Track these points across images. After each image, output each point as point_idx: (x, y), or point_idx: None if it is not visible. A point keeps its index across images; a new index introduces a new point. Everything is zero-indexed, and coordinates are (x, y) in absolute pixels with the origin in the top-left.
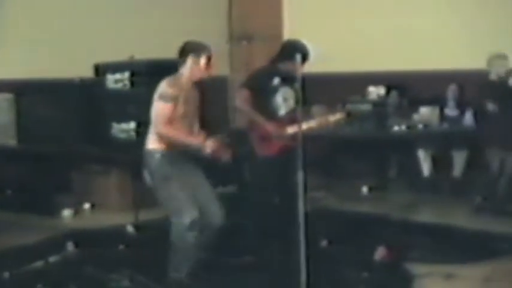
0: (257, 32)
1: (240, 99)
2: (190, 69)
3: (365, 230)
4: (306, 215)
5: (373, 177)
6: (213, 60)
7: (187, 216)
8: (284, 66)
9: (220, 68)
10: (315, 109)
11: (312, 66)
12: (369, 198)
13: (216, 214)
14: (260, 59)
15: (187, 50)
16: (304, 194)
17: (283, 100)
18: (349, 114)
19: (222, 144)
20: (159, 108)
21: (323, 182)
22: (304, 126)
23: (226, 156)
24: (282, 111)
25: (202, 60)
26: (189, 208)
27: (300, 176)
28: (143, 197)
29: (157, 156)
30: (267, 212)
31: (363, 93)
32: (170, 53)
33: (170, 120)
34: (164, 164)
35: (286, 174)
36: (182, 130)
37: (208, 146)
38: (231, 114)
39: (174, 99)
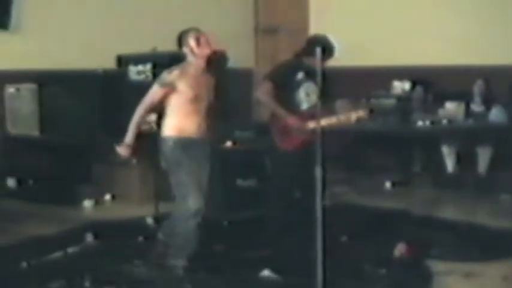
0: (283, 25)
1: (262, 91)
2: (188, 53)
3: (386, 225)
4: (324, 210)
5: (397, 172)
6: (211, 38)
7: (193, 203)
8: (308, 61)
9: (246, 61)
10: (338, 104)
11: (337, 61)
12: (392, 194)
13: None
14: (285, 53)
15: (180, 38)
16: (322, 189)
17: (306, 95)
18: (371, 111)
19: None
20: (149, 91)
21: (345, 177)
22: (325, 122)
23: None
24: (304, 106)
25: (192, 41)
26: (196, 196)
27: (318, 171)
28: (163, 189)
29: (170, 142)
30: (286, 206)
31: (388, 88)
32: None
33: (155, 105)
34: (176, 150)
35: (306, 169)
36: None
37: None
38: (255, 107)
39: (168, 85)
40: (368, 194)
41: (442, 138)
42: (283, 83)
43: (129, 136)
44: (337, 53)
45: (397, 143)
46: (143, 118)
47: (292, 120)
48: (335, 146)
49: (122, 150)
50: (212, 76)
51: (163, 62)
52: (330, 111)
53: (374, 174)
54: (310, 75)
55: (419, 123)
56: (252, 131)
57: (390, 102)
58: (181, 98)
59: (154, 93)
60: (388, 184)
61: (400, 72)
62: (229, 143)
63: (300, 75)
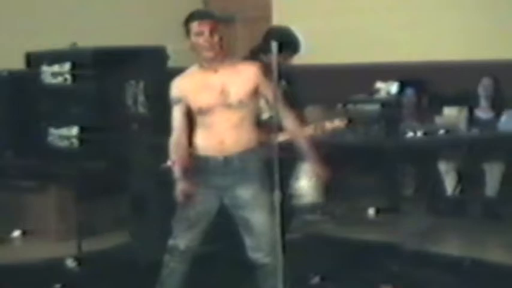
0: (240, 12)
1: None
2: (191, 47)
3: (369, 263)
4: (284, 244)
5: (382, 196)
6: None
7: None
8: (268, 59)
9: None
10: (308, 112)
11: (305, 58)
12: (376, 223)
13: None
14: (242, 47)
15: (185, 22)
16: (281, 218)
17: (266, 101)
18: (350, 121)
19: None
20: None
21: (318, 202)
22: (291, 135)
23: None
24: (264, 115)
25: (195, 28)
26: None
27: (276, 196)
28: (88, 222)
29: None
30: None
31: (370, 91)
32: (126, 39)
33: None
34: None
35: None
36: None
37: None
38: None
39: (178, 100)
40: (346, 223)
41: (439, 152)
42: None
43: (181, 183)
44: (303, 48)
45: (382, 160)
46: (182, 150)
47: None
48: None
49: (178, 187)
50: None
51: (85, 61)
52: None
53: (354, 198)
54: None
55: (410, 134)
56: None
57: (373, 108)
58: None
59: (174, 114)
60: (371, 211)
61: (385, 71)
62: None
63: None
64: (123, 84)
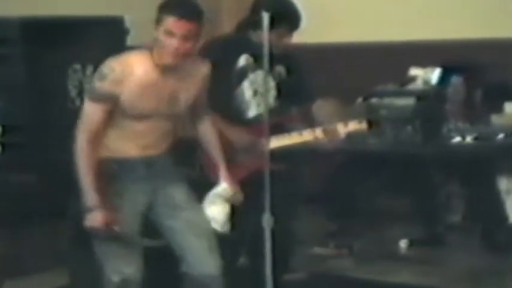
0: None
1: None
2: (156, 41)
3: None
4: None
5: (418, 224)
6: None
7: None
8: (257, 37)
9: None
10: (316, 108)
11: (308, 36)
12: (410, 259)
13: None
14: (228, 19)
15: (160, 8)
16: (272, 250)
17: (254, 93)
18: (371, 124)
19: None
20: (84, 109)
21: (331, 231)
22: (290, 139)
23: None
24: (252, 111)
25: (170, 24)
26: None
27: (267, 221)
28: (11, 258)
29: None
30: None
31: (401, 80)
32: (69, 6)
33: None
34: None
35: (255, 217)
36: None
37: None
38: None
39: (108, 97)
40: (369, 260)
41: (497, 164)
42: (216, 75)
43: (91, 194)
44: (304, 21)
45: (418, 175)
46: (93, 153)
47: (235, 136)
48: (311, 179)
49: (95, 219)
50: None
51: (9, 34)
52: (298, 121)
53: (379, 226)
54: (260, 59)
55: (457, 139)
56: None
57: (406, 103)
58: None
59: (93, 113)
60: (402, 243)
61: (422, 52)
62: None
63: (244, 60)
64: (63, 69)
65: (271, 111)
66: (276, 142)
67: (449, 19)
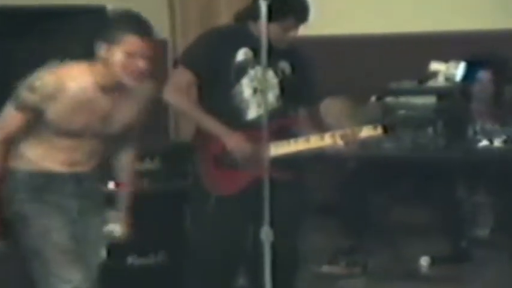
0: None
1: (173, 87)
2: (105, 58)
3: None
4: None
5: (441, 239)
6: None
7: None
8: (258, 28)
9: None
10: (324, 108)
11: (313, 28)
12: (432, 279)
13: None
14: (227, 9)
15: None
16: (272, 266)
17: (254, 91)
18: (386, 130)
19: None
20: (3, 112)
21: (344, 247)
22: (294, 146)
23: None
24: (252, 112)
25: (130, 44)
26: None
27: (265, 234)
28: None
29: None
30: None
31: (420, 76)
32: None
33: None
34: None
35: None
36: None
37: None
38: (167, 116)
39: (32, 108)
40: (385, 279)
41: None
42: (211, 71)
43: None
44: (312, 13)
45: (440, 183)
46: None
47: (233, 142)
48: (319, 189)
49: None
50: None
51: None
52: (304, 124)
53: (397, 242)
54: (258, 53)
55: (484, 142)
56: (159, 159)
57: (426, 102)
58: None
59: (11, 123)
60: (423, 261)
61: (444, 44)
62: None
63: (243, 54)
64: (37, 65)
65: (274, 113)
66: (279, 149)
67: (475, 7)
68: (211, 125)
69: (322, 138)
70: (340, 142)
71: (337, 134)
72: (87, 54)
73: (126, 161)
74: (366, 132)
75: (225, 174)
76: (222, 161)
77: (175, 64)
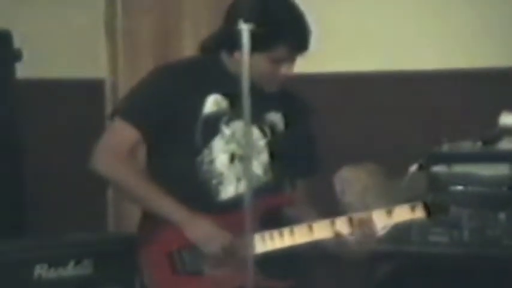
0: None
1: (107, 149)
2: None
3: None
4: None
5: None
6: None
7: None
8: (234, 62)
9: (92, 65)
10: (340, 181)
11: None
12: None
13: None
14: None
15: None
16: None
17: (230, 159)
18: (429, 210)
19: None
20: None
21: None
22: (293, 237)
23: None
24: (228, 189)
25: None
26: None
27: None
28: None
29: None
30: None
31: (483, 133)
32: None
33: None
34: None
35: None
36: None
37: None
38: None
39: None
40: None
41: None
42: (165, 127)
43: None
44: (316, 38)
45: None
46: None
47: (198, 231)
48: None
49: None
50: None
51: None
52: (303, 203)
53: None
54: (240, 102)
55: None
56: (89, 263)
57: (493, 174)
58: None
59: None
60: None
61: None
62: None
63: (213, 103)
64: None
65: (260, 190)
66: (267, 243)
67: None
68: (165, 205)
69: (332, 224)
70: (356, 231)
71: (356, 218)
72: None
73: None
74: (400, 215)
75: (187, 283)
76: (182, 261)
77: (113, 115)
